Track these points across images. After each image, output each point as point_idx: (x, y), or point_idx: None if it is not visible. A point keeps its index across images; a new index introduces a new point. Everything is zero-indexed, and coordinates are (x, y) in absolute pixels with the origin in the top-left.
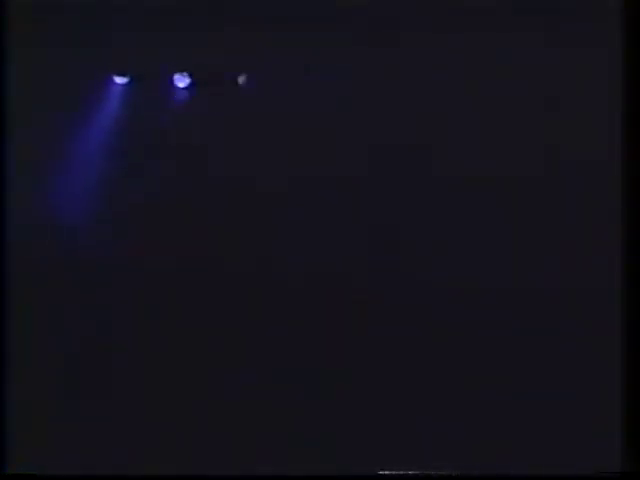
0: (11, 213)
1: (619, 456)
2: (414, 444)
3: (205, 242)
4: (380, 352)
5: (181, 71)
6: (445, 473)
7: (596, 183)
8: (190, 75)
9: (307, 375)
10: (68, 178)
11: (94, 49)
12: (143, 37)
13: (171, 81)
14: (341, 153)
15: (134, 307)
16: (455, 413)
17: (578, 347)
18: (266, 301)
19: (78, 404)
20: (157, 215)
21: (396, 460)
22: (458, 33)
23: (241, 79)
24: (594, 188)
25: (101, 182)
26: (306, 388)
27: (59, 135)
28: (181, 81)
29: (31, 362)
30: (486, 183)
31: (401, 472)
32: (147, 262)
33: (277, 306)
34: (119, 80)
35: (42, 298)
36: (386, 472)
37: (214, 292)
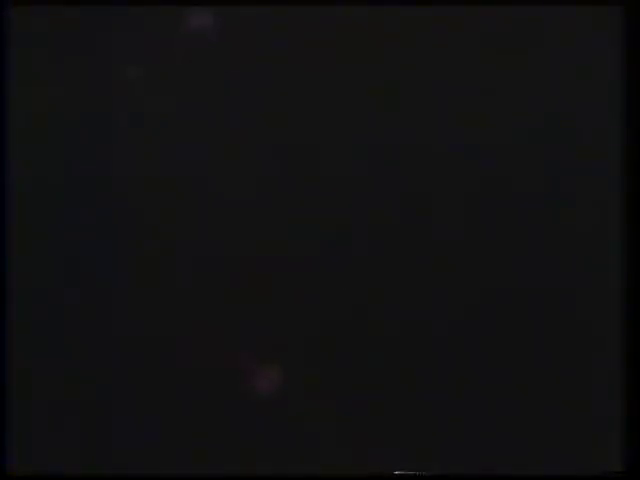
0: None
1: (619, 456)
2: (413, 444)
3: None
4: (376, 352)
5: None
6: (445, 473)
7: (596, 183)
8: None
9: (303, 371)
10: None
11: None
12: None
13: None
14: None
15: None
16: (453, 412)
17: (578, 347)
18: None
19: (78, 404)
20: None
21: (395, 460)
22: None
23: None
24: (594, 188)
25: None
26: (304, 386)
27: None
28: None
29: (31, 362)
30: (482, 178)
31: (401, 472)
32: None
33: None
34: None
35: None
36: (386, 473)
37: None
